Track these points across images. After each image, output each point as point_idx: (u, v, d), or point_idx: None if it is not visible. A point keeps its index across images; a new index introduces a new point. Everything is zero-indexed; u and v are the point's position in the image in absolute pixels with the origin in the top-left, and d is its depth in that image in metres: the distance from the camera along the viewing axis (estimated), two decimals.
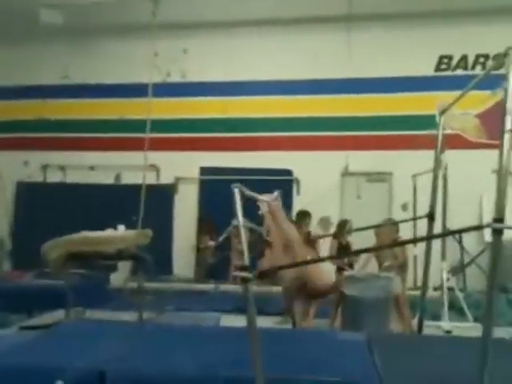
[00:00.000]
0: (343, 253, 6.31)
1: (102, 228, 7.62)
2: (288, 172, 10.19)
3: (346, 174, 10.22)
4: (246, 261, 3.19)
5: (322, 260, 6.55)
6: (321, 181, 9.74)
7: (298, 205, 9.64)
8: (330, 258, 6.57)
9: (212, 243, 9.74)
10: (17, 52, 11.28)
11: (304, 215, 6.75)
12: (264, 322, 5.91)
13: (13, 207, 11.26)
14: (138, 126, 10.01)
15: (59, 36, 10.88)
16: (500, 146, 2.78)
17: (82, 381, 3.32)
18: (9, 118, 11.34)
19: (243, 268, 3.15)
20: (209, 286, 8.87)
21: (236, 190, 3.28)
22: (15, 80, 11.22)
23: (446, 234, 6.47)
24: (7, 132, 11.33)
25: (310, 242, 6.66)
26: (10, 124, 11.35)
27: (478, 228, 3.58)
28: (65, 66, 11.21)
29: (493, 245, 2.79)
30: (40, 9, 9.74)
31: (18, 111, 11.33)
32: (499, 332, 5.67)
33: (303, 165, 10.04)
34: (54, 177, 11.22)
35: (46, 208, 10.43)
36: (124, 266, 8.82)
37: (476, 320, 6.43)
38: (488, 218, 9.81)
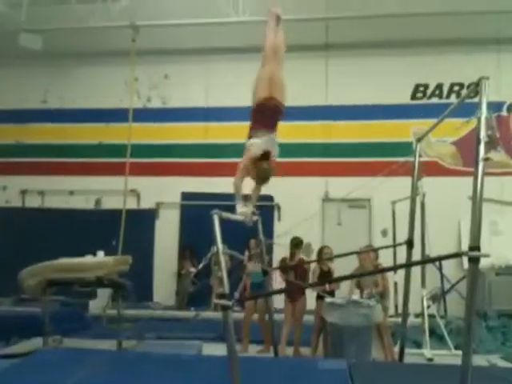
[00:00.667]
0: (324, 279, 6.31)
1: (82, 254, 7.52)
2: (269, 198, 10.22)
3: (326, 199, 10.30)
4: (226, 288, 3.19)
5: (305, 286, 6.54)
6: (302, 206, 9.80)
7: (278, 230, 9.67)
8: (312, 284, 6.57)
9: (193, 270, 9.68)
10: None
11: (299, 243, 6.78)
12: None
13: None
14: (119, 150, 10.06)
15: (39, 60, 10.88)
16: (474, 176, 2.84)
17: None
18: None
19: (223, 296, 3.15)
20: (190, 313, 8.79)
21: (215, 217, 3.29)
22: None
23: (424, 261, 6.53)
24: None
25: (303, 269, 6.66)
26: None
27: (455, 256, 3.62)
28: (44, 90, 11.19)
29: (469, 273, 2.82)
30: (20, 33, 9.75)
31: None
32: (479, 359, 5.75)
33: (284, 191, 10.07)
34: (33, 202, 11.08)
35: (25, 233, 10.27)
36: (103, 293, 8.70)
37: (457, 347, 6.46)
38: (467, 244, 9.94)
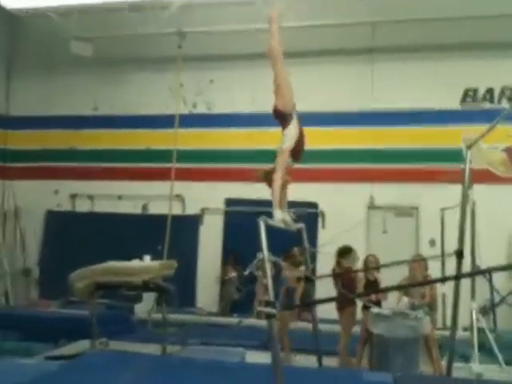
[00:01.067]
0: (371, 289, 6.19)
1: (129, 258, 7.67)
2: (313, 205, 10.14)
3: (372, 207, 10.13)
4: (271, 296, 3.17)
5: (350, 296, 6.42)
6: (346, 214, 9.67)
7: (322, 238, 9.58)
8: (358, 295, 6.46)
9: (234, 274, 9.70)
10: (49, 83, 11.63)
11: (344, 252, 6.66)
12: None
13: (42, 236, 11.45)
14: (165, 156, 10.22)
15: (89, 67, 11.21)
16: None
17: None
18: (40, 147, 11.63)
19: (268, 303, 3.13)
20: (233, 320, 8.80)
21: (261, 223, 3.28)
22: (47, 110, 11.55)
23: (475, 273, 6.32)
24: (38, 161, 11.62)
25: (350, 277, 6.55)
26: (42, 153, 11.63)
27: (509, 268, 3.48)
28: (94, 97, 11.50)
29: None
30: (71, 41, 10.09)
31: (50, 141, 11.62)
32: None
33: (328, 197, 9.99)
34: (83, 206, 11.41)
35: (75, 237, 10.59)
36: (148, 297, 8.84)
37: (508, 363, 6.20)
38: None
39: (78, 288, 6.51)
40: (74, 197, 11.46)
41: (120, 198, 11.17)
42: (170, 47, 9.94)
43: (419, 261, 6.66)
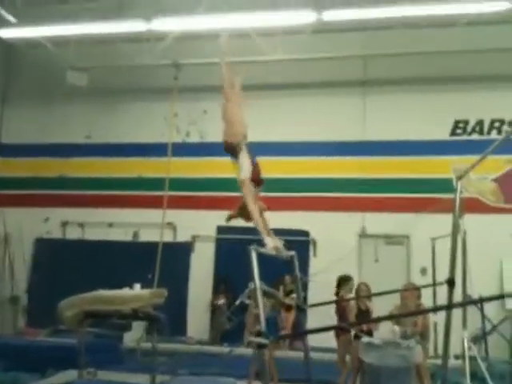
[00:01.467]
0: (362, 319, 6.17)
1: (119, 286, 7.61)
2: (305, 233, 10.16)
3: (363, 235, 10.16)
4: (262, 326, 3.15)
5: (338, 327, 6.40)
6: (338, 242, 9.68)
7: (314, 266, 9.56)
8: (349, 324, 6.42)
9: (223, 301, 9.64)
10: (44, 112, 11.72)
11: (341, 280, 6.69)
12: None
13: (31, 263, 11.33)
14: (157, 184, 10.25)
15: (83, 97, 11.30)
16: None
17: None
18: (32, 174, 11.63)
19: (259, 333, 3.11)
20: (223, 349, 8.69)
21: (253, 252, 3.27)
22: (40, 138, 11.58)
23: (466, 302, 6.31)
24: (29, 188, 11.59)
25: (342, 306, 6.54)
26: (33, 181, 11.63)
27: (500, 297, 3.51)
28: (88, 125, 11.57)
29: None
30: (67, 71, 10.20)
31: (41, 168, 11.63)
32: None
33: (320, 226, 10.02)
34: (73, 233, 11.35)
35: (64, 264, 10.50)
36: (138, 326, 8.74)
37: None
38: (509, 283, 9.61)
39: (67, 316, 6.43)
40: (64, 224, 11.41)
41: (111, 225, 11.13)
42: (165, 78, 10.09)
43: (411, 289, 6.64)
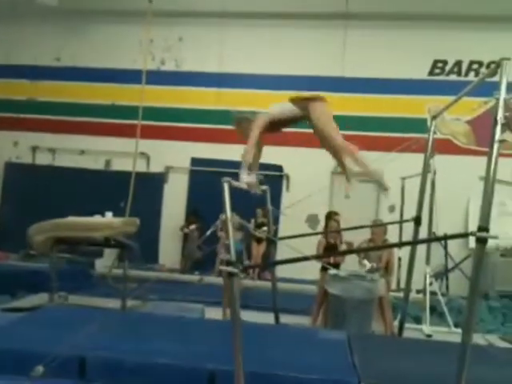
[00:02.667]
0: (331, 252, 6.35)
1: (90, 213, 7.59)
2: (278, 167, 10.20)
3: (336, 172, 10.24)
4: (233, 256, 3.21)
5: (305, 259, 6.54)
6: (311, 178, 9.74)
7: (286, 201, 9.67)
8: (317, 256, 6.60)
9: (194, 226, 9.76)
10: (11, 31, 11.10)
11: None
12: (248, 317, 5.96)
13: (0, 187, 11.17)
14: (131, 112, 9.99)
15: (54, 18, 10.77)
16: (488, 156, 2.81)
17: (63, 367, 3.32)
18: (0, 96, 11.22)
19: (229, 263, 3.17)
20: (194, 277, 8.89)
21: (225, 185, 3.28)
22: (8, 59, 11.11)
23: (431, 239, 6.54)
24: None
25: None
26: (1, 103, 11.23)
27: (463, 236, 3.63)
28: (58, 47, 11.08)
29: (476, 253, 2.83)
30: None
31: (10, 91, 11.20)
32: (478, 338, 5.81)
33: (294, 161, 10.06)
34: (44, 159, 11.14)
35: (34, 190, 10.36)
36: (110, 252, 8.80)
37: (456, 325, 6.51)
38: (474, 223, 9.90)
39: (37, 242, 6.44)
40: (34, 149, 11.17)
41: (82, 152, 10.94)
42: (140, 0, 9.61)
43: (382, 226, 6.85)
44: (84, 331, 3.51)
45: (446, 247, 8.76)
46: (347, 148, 3.81)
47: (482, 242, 2.75)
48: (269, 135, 4.15)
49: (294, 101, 4.02)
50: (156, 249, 10.39)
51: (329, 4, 9.91)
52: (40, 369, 3.24)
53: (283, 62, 10.17)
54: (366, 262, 6.56)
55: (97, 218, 7.19)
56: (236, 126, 4.10)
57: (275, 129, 4.06)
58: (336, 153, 4.02)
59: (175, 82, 10.78)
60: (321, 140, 4.06)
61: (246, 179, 3.83)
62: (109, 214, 7.58)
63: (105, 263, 8.95)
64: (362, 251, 6.58)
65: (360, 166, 3.88)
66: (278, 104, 4.05)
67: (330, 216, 6.99)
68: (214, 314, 6.30)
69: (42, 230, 6.37)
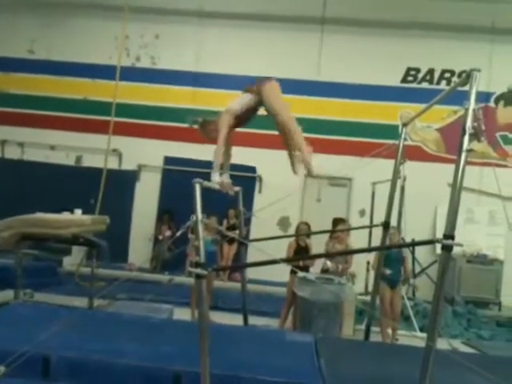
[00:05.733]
0: (300, 255, 6.39)
1: (59, 210, 7.48)
2: (251, 169, 10.21)
3: (308, 176, 10.30)
4: (202, 258, 3.20)
5: (275, 262, 6.57)
6: (283, 181, 9.75)
7: (258, 202, 9.69)
8: (286, 260, 6.63)
9: (168, 233, 9.71)
10: None
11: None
12: (217, 318, 5.97)
13: None
14: (103, 108, 9.87)
15: (28, 8, 10.58)
16: (456, 165, 2.86)
17: (26, 367, 3.27)
18: None
19: (198, 264, 3.16)
20: (163, 277, 8.82)
21: (197, 186, 3.27)
22: None
23: (399, 245, 6.64)
24: None
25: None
26: None
27: (429, 242, 3.70)
28: (31, 39, 10.87)
29: (441, 259, 2.88)
30: None
31: None
32: (442, 343, 5.92)
33: (267, 163, 10.07)
34: (13, 153, 10.89)
35: (2, 184, 10.15)
36: (78, 250, 8.67)
37: (422, 329, 6.62)
38: (441, 229, 10.10)
39: (3, 237, 6.29)
40: (3, 143, 10.91)
41: (53, 147, 10.74)
42: None
43: (347, 231, 6.94)
44: (49, 330, 3.46)
45: (413, 252, 8.91)
46: (292, 125, 3.88)
47: (447, 249, 2.81)
48: (243, 136, 4.18)
49: (248, 90, 4.04)
50: (126, 248, 10.27)
51: (306, 8, 10.01)
52: (1, 369, 3.18)
53: (260, 64, 10.18)
54: (328, 262, 6.65)
55: (65, 215, 7.07)
56: (200, 129, 4.09)
57: (240, 123, 4.07)
58: (284, 135, 4.04)
59: (150, 79, 10.68)
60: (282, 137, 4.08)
61: (218, 180, 3.83)
62: (78, 212, 7.48)
63: (73, 261, 8.82)
64: (331, 255, 6.64)
65: (296, 146, 4.04)
66: (236, 99, 4.05)
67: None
68: (183, 314, 6.28)
69: (8, 226, 6.23)
